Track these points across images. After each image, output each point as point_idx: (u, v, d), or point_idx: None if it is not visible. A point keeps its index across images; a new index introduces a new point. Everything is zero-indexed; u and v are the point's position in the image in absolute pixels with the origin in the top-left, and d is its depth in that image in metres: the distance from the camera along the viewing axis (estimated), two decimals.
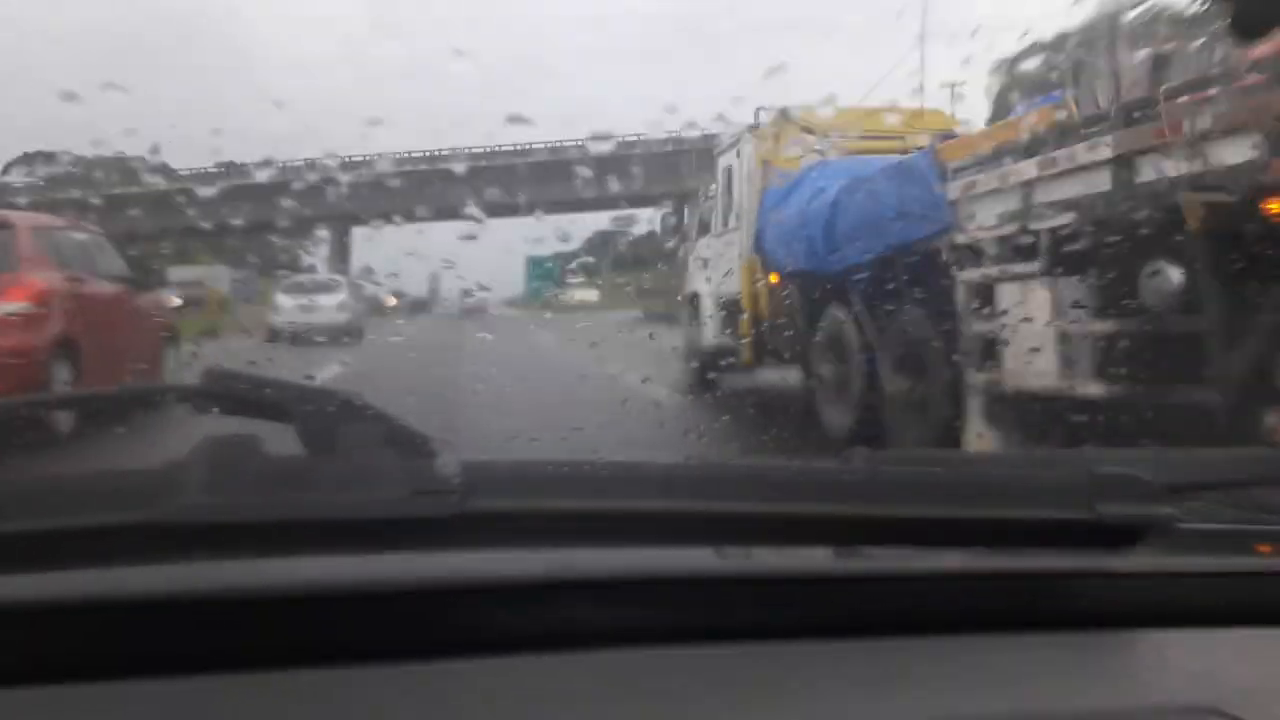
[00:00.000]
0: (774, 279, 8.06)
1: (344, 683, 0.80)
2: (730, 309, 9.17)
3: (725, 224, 9.74)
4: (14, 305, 5.69)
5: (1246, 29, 1.41)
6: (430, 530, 0.92)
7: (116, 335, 6.63)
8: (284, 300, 15.52)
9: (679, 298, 11.73)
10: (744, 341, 8.88)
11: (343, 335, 13.76)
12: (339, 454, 1.01)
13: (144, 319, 7.33)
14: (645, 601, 0.90)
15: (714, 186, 10.53)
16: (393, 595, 0.86)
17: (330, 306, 15.22)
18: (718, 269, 9.63)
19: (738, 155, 9.34)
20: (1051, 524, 1.02)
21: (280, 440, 0.98)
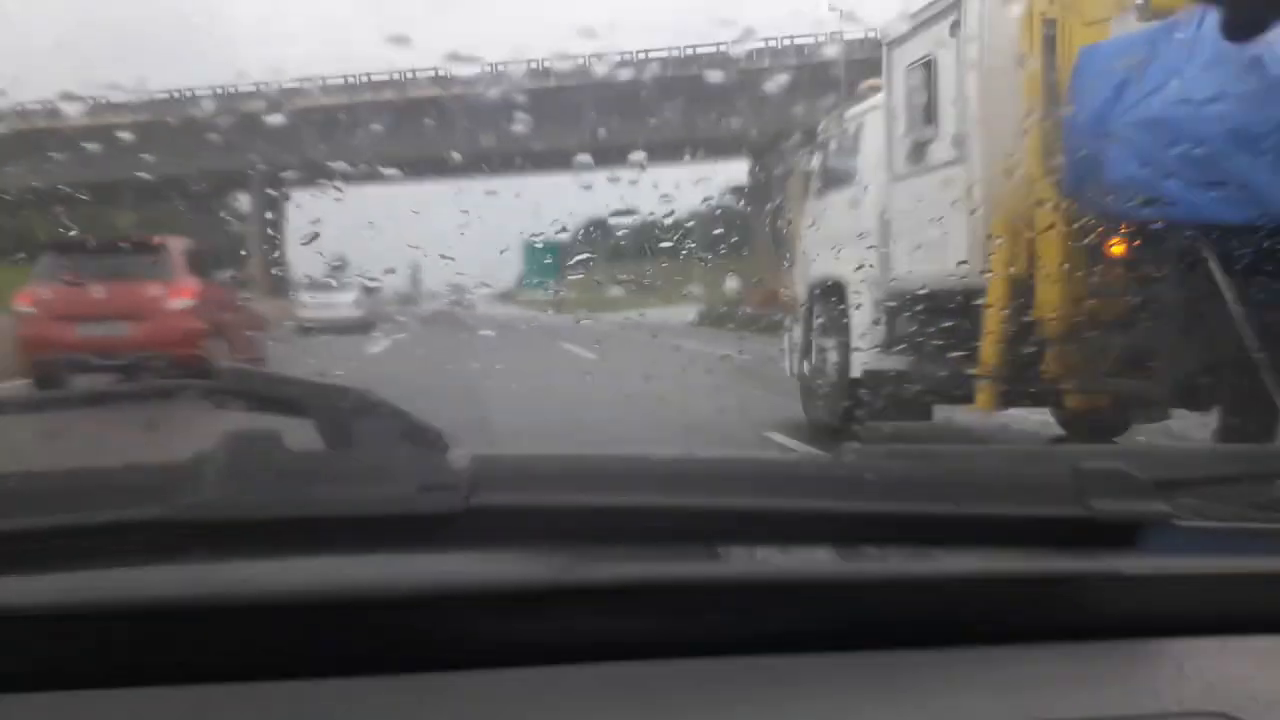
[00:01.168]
0: (1116, 248, 4.56)
1: (352, 692, 0.86)
2: (939, 307, 5.79)
3: (917, 158, 6.25)
4: (182, 301, 8.31)
5: (1239, 28, 1.38)
6: (438, 526, 0.97)
7: (239, 322, 9.75)
8: (307, 299, 19.63)
9: (787, 290, 8.35)
10: (988, 367, 5.15)
11: (357, 329, 16.77)
12: (353, 450, 1.10)
13: (248, 310, 10.63)
14: (651, 609, 0.95)
15: (869, 104, 7.13)
16: (399, 600, 0.91)
17: (346, 304, 18.90)
18: (902, 235, 6.26)
19: (954, 31, 5.83)
20: (1044, 521, 1.07)
21: (294, 436, 1.05)
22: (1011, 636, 0.99)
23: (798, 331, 7.90)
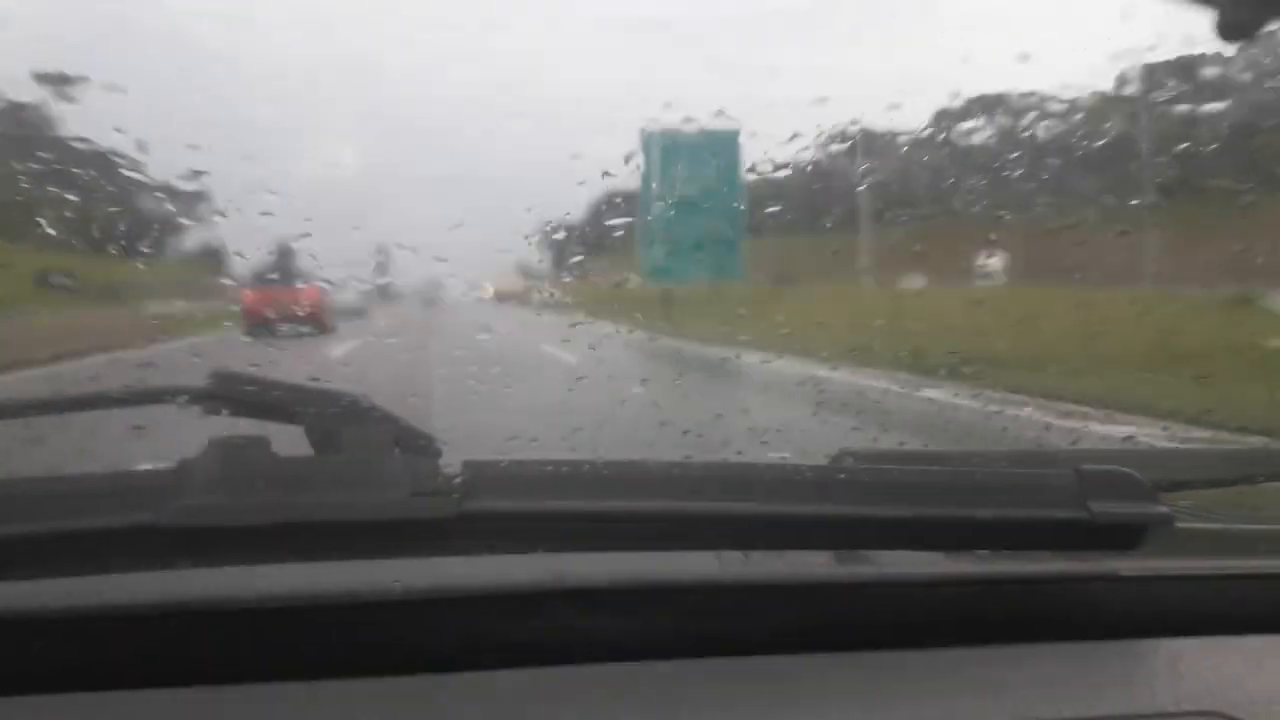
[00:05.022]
0: None
1: (343, 693, 0.86)
2: None
3: None
4: (313, 296, 11.51)
5: (1233, 27, 1.33)
6: (431, 531, 0.99)
7: (326, 305, 14.25)
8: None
9: None
10: None
11: (355, 315, 19.16)
12: (342, 455, 1.10)
13: (327, 298, 14.74)
14: (644, 611, 0.97)
15: None
16: (392, 604, 0.92)
17: (352, 298, 21.68)
18: None
19: None
20: (1046, 524, 1.08)
21: (290, 441, 1.08)
22: (1011, 637, 1.00)
23: None
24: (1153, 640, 1.03)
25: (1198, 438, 4.80)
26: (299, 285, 17.22)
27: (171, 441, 1.14)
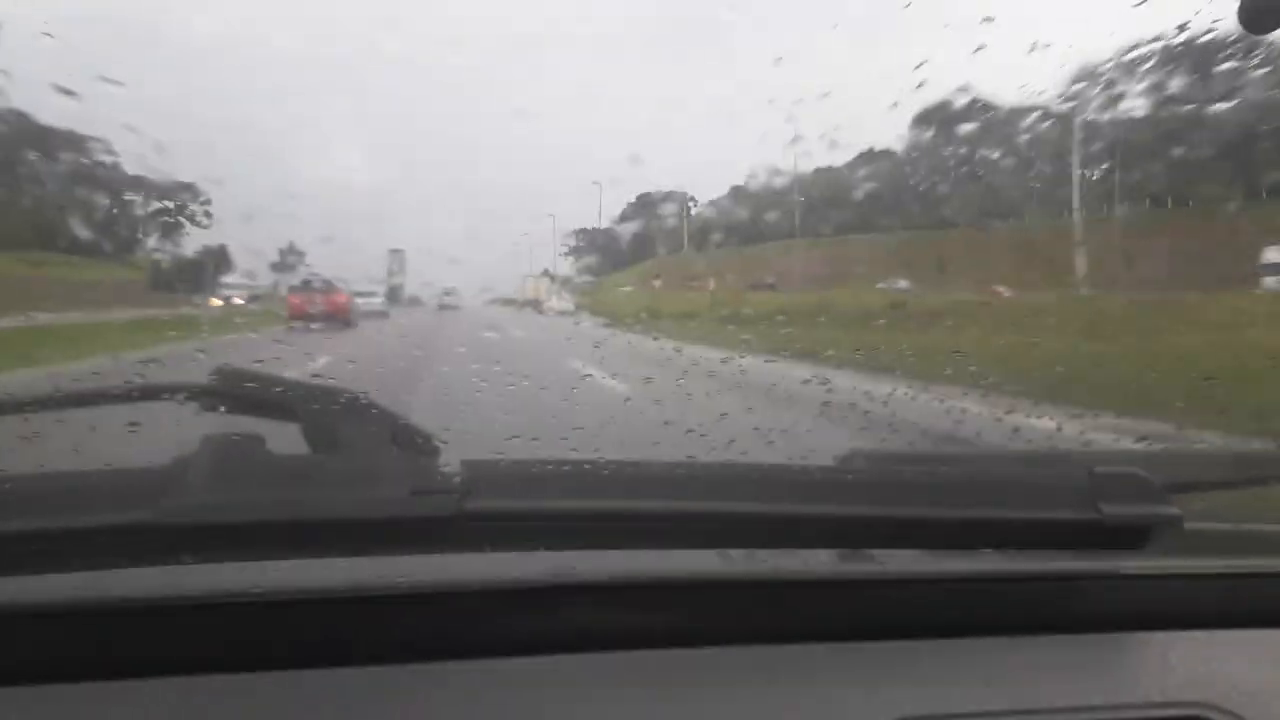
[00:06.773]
0: None
1: (345, 684, 0.87)
2: None
3: None
4: (341, 299, 21.72)
5: (1257, 19, 1.31)
6: (431, 530, 0.99)
7: (351, 306, 23.36)
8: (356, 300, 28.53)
9: None
10: None
11: (379, 316, 25.16)
12: (342, 453, 1.09)
13: (353, 301, 24.32)
14: (645, 606, 0.97)
15: None
16: (393, 599, 0.93)
17: (377, 301, 27.03)
18: None
19: None
20: (1056, 524, 1.08)
21: (286, 439, 1.06)
22: (1014, 632, 1.00)
23: None
24: (1145, 633, 1.02)
25: (1208, 439, 4.86)
26: (329, 291, 22.58)
27: (169, 438, 1.13)
